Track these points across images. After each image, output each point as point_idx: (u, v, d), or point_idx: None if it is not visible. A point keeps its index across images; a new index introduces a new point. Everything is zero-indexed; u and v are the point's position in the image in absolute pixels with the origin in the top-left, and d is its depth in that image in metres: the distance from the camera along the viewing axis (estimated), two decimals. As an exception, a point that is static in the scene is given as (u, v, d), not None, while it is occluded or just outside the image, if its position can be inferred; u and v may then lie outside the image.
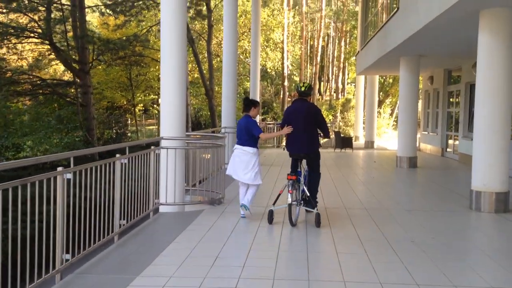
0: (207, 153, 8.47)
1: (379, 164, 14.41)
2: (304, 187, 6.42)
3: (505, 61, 7.16)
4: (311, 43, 44.71)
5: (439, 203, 8.08)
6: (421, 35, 9.91)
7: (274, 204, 6.43)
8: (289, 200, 6.07)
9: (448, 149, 16.71)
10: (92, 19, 29.59)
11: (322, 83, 50.35)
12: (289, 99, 43.64)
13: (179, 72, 7.22)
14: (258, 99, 17.08)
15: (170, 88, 7.22)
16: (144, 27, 25.27)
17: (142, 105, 30.19)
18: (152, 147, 6.79)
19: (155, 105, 32.28)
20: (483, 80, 7.36)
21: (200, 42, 29.73)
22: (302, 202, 6.42)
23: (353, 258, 4.93)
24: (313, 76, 41.35)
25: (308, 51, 43.97)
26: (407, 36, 10.34)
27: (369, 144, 21.98)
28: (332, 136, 19.51)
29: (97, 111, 22.03)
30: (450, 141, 16.56)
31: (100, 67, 23.11)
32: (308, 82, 8.67)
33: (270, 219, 6.30)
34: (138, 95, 27.22)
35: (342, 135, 20.15)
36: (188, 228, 6.02)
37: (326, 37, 45.66)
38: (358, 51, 20.49)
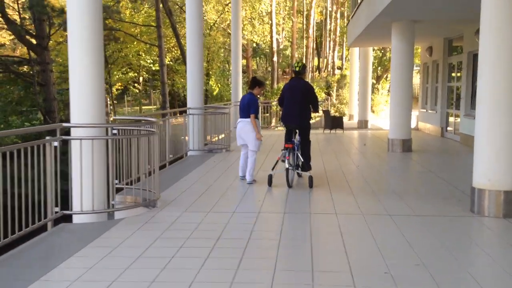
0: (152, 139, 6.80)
1: (370, 148, 12.69)
2: (298, 153, 7.29)
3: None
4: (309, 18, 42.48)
5: (433, 204, 6.32)
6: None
7: (273, 169, 7.28)
8: (287, 165, 6.96)
9: (448, 129, 14.96)
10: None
11: (320, 59, 48.06)
12: (285, 76, 41.67)
13: (92, 39, 5.60)
14: (240, 75, 17.37)
15: (80, 61, 5.60)
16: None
17: (120, 84, 28.18)
18: (48, 137, 5.12)
19: (136, 84, 30.21)
20: (488, 45, 5.56)
21: (182, 15, 27.67)
22: (297, 166, 7.38)
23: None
24: (306, 51, 39.25)
25: (304, 26, 41.77)
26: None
27: (363, 124, 20.13)
28: (322, 114, 17.76)
29: (66, 91, 20.18)
30: (451, 119, 14.79)
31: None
32: (302, 62, 8.52)
33: (270, 182, 7.15)
34: (115, 73, 25.17)
35: (332, 114, 18.36)
36: (78, 254, 4.33)
37: (324, 11, 43.37)
38: (349, 20, 18.54)
